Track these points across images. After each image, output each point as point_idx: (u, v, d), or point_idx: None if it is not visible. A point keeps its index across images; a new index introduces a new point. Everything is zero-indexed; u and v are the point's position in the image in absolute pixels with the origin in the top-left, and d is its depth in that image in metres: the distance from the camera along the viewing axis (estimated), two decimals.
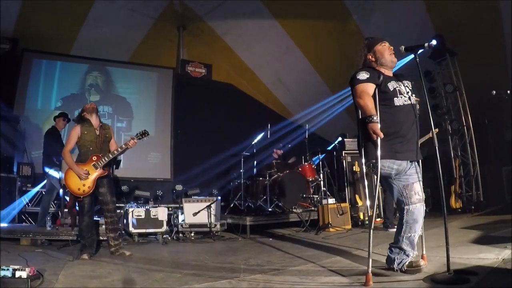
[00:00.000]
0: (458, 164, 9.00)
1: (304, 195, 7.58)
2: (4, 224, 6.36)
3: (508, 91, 5.04)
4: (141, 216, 6.34)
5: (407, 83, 3.31)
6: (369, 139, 3.08)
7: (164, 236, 6.38)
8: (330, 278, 3.23)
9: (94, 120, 4.92)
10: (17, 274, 3.05)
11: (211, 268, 3.94)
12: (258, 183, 7.85)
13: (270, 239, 6.23)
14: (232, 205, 7.85)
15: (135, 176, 8.70)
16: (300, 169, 8.05)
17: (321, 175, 7.82)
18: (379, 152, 3.02)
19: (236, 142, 9.90)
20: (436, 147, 3.12)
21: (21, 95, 8.40)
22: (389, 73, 3.30)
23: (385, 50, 3.28)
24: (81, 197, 4.65)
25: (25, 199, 7.36)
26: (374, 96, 3.14)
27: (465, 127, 9.19)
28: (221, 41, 10.07)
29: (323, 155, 8.26)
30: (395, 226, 5.16)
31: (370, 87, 3.14)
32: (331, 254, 4.39)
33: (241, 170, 7.96)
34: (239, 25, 9.54)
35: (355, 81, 3.18)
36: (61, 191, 6.58)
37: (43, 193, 7.10)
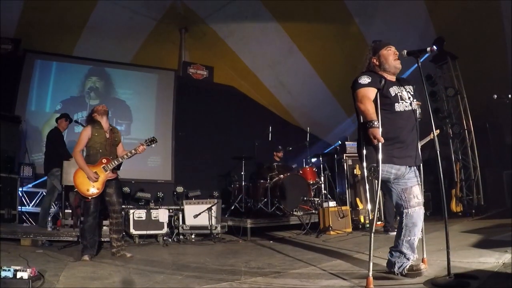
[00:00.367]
0: (459, 168, 9.02)
1: (305, 198, 7.60)
2: None
3: (510, 95, 5.04)
4: (142, 217, 6.35)
5: (409, 88, 3.31)
6: (369, 144, 3.09)
7: (165, 238, 6.39)
8: (331, 282, 3.24)
9: (104, 122, 4.94)
10: (18, 275, 3.04)
11: (212, 270, 3.94)
12: (259, 186, 7.87)
13: (271, 241, 6.23)
14: (232, 207, 7.85)
15: (136, 177, 8.71)
16: (301, 172, 8.07)
17: (322, 178, 7.84)
18: (380, 157, 3.03)
19: (237, 144, 9.94)
20: (438, 151, 3.12)
21: (22, 96, 8.41)
22: (392, 78, 3.30)
23: (389, 55, 3.27)
24: (89, 198, 4.68)
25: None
26: (375, 100, 3.14)
27: (466, 130, 9.20)
28: (223, 43, 10.09)
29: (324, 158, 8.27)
30: (396, 230, 5.17)
31: (371, 92, 3.14)
32: (331, 257, 4.38)
33: (242, 172, 7.97)
34: (241, 28, 9.55)
35: (356, 85, 3.18)
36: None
37: (44, 193, 7.11)
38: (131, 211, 6.35)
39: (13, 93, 8.24)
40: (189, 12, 9.54)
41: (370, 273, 2.91)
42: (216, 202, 6.81)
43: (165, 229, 6.46)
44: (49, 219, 6.25)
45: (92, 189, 4.67)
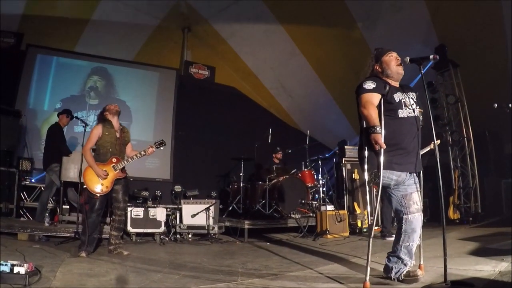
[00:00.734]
0: (457, 175, 9.03)
1: (303, 201, 7.61)
2: None
3: (510, 105, 5.05)
4: (139, 215, 6.36)
5: (412, 94, 3.33)
6: (371, 149, 3.10)
7: (162, 236, 6.40)
8: (327, 285, 3.24)
9: (115, 122, 5.00)
10: (15, 269, 3.05)
11: (209, 270, 3.94)
12: (257, 187, 7.87)
13: (268, 243, 6.23)
14: (230, 208, 7.85)
15: (135, 175, 8.68)
16: (299, 175, 8.08)
17: (320, 181, 7.85)
18: (381, 162, 3.04)
19: (236, 145, 9.94)
20: (437, 159, 3.13)
21: (23, 90, 8.38)
22: (396, 84, 3.31)
23: (391, 61, 3.28)
24: (97, 195, 4.70)
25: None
26: (379, 106, 3.16)
27: (465, 138, 9.22)
28: (226, 44, 10.09)
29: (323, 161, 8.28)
30: (393, 235, 5.17)
31: (375, 97, 3.15)
32: (328, 261, 4.40)
33: (241, 174, 7.98)
34: (244, 29, 9.56)
35: (361, 90, 3.19)
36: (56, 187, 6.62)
37: (42, 188, 7.11)
38: (129, 208, 6.34)
39: (14, 88, 8.22)
40: (193, 12, 9.55)
41: (367, 277, 2.92)
42: (214, 202, 6.81)
43: (163, 228, 6.46)
44: (47, 214, 6.24)
45: (101, 187, 4.71)
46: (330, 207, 7.21)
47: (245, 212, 7.65)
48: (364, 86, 3.18)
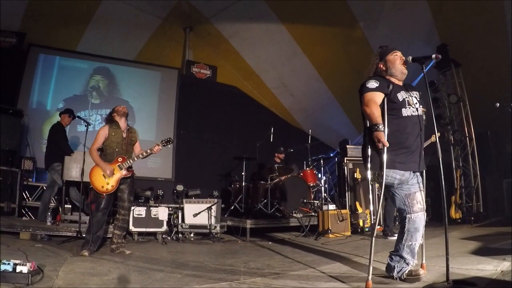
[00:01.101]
0: (459, 175, 9.02)
1: (305, 200, 7.62)
2: None
3: None
4: (141, 215, 6.36)
5: (416, 93, 3.33)
6: (374, 148, 3.09)
7: (164, 236, 6.40)
8: (330, 284, 3.24)
9: (122, 123, 5.05)
10: (18, 268, 3.05)
11: (211, 269, 3.95)
12: (259, 186, 7.87)
13: (270, 242, 6.23)
14: (232, 207, 7.85)
15: (137, 175, 8.67)
16: (301, 174, 8.07)
17: (322, 181, 7.84)
18: (384, 161, 3.04)
19: (238, 145, 9.95)
20: (440, 158, 3.13)
21: (25, 90, 8.39)
22: (399, 82, 3.31)
23: (396, 59, 3.29)
24: (104, 194, 4.73)
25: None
26: (382, 105, 3.16)
27: (467, 138, 9.22)
28: (227, 43, 10.10)
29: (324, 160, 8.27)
30: (395, 234, 5.17)
31: (378, 96, 3.15)
32: (330, 260, 4.39)
33: (243, 173, 7.98)
34: (246, 29, 9.57)
35: (364, 89, 3.19)
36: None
37: (44, 188, 7.13)
38: (131, 208, 6.35)
39: (16, 87, 8.24)
40: (194, 11, 9.55)
41: (370, 276, 2.91)
42: (216, 201, 6.82)
43: (165, 227, 6.47)
44: (49, 213, 6.26)
45: (107, 186, 4.73)
46: (332, 207, 7.20)
47: (247, 212, 7.65)
48: (367, 85, 3.18)
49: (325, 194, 7.67)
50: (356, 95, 3.30)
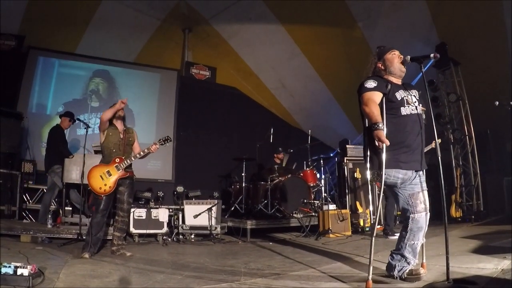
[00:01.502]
0: (459, 174, 9.02)
1: (305, 201, 7.62)
2: None
3: (511, 102, 5.04)
4: (142, 216, 6.37)
5: (415, 92, 3.33)
6: (374, 147, 3.09)
7: (164, 237, 6.40)
8: (330, 284, 3.25)
9: (119, 125, 5.07)
10: (19, 271, 3.05)
11: (211, 270, 3.95)
12: (259, 187, 7.87)
13: (270, 243, 6.23)
14: (232, 208, 7.85)
15: (137, 176, 8.67)
16: (301, 174, 8.07)
17: (322, 181, 7.84)
18: (384, 160, 3.04)
19: (238, 146, 9.95)
20: (439, 158, 3.13)
21: (25, 93, 8.39)
22: (398, 81, 3.32)
23: (394, 58, 3.30)
24: (102, 196, 4.74)
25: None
26: (381, 105, 3.15)
27: (467, 136, 9.22)
28: (227, 44, 10.10)
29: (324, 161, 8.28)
30: (395, 234, 5.17)
31: (377, 96, 3.15)
32: (331, 260, 4.40)
33: (243, 174, 7.98)
34: (245, 29, 9.57)
35: (362, 89, 3.19)
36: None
37: (45, 190, 7.13)
38: (131, 209, 6.35)
39: (16, 90, 8.24)
40: (193, 12, 9.55)
41: (370, 276, 2.92)
42: (216, 202, 6.83)
43: (165, 229, 6.48)
44: (49, 216, 6.26)
45: (105, 187, 4.74)
46: (332, 206, 7.20)
47: (247, 212, 7.65)
48: (365, 85, 3.18)
49: (325, 194, 7.66)
50: (356, 95, 3.31)
